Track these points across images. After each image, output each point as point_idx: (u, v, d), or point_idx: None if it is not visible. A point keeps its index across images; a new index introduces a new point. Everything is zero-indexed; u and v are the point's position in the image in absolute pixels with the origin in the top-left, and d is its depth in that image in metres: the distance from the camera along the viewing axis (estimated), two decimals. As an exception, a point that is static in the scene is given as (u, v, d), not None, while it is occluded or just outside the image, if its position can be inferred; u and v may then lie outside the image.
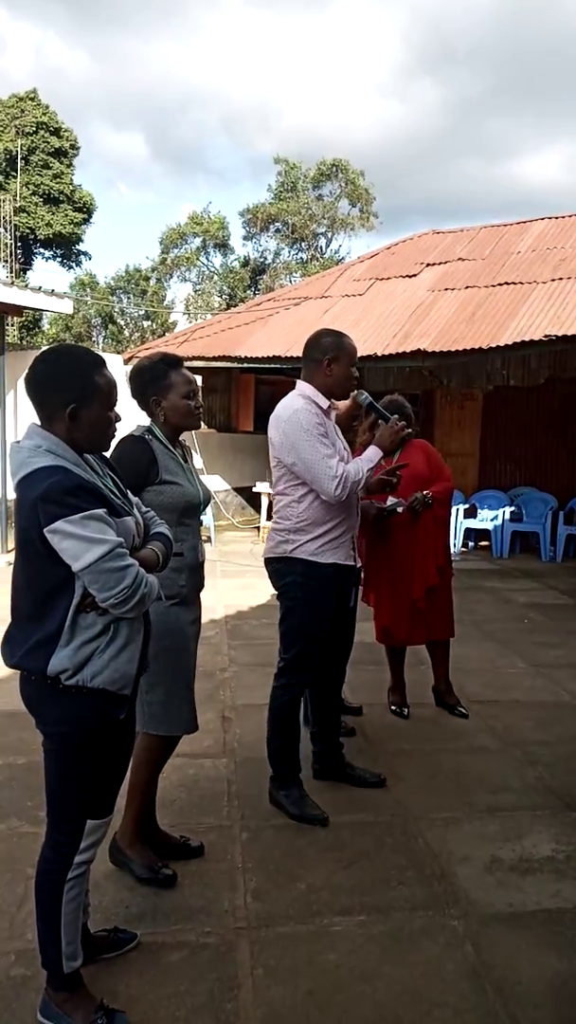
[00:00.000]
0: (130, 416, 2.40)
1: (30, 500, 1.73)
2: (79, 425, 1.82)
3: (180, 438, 2.63)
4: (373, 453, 2.95)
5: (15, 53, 44.64)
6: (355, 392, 3.10)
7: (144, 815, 2.61)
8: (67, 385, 1.82)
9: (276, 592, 3.08)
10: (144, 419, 2.59)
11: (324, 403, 2.97)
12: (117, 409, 1.93)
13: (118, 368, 8.58)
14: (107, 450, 1.98)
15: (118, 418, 1.93)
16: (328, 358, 2.94)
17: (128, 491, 2.06)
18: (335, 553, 2.97)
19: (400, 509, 3.77)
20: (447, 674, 4.18)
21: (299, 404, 2.92)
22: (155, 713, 2.50)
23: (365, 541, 3.94)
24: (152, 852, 2.59)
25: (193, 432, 11.06)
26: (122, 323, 32.48)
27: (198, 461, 10.51)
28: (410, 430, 3.94)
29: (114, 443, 2.40)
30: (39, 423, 1.86)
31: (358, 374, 3.05)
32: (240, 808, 3.05)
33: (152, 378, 2.54)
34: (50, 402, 1.82)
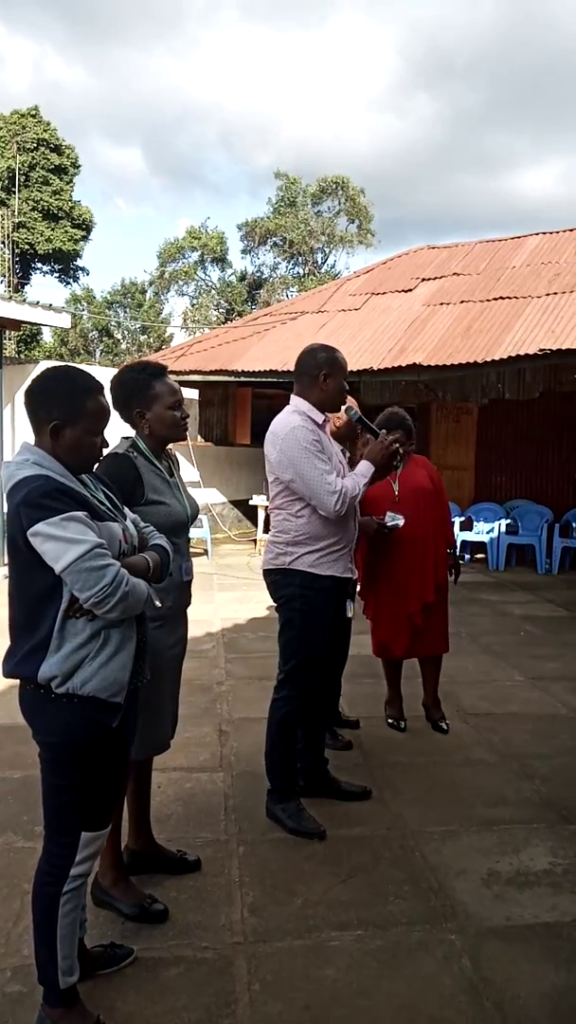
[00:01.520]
0: (114, 428, 2.37)
1: (14, 506, 1.79)
2: (60, 443, 1.87)
3: (167, 448, 2.58)
4: (365, 468, 2.97)
5: (13, 68, 45.17)
6: (344, 407, 3.11)
7: (119, 851, 2.50)
8: (56, 402, 1.87)
9: (275, 604, 3.09)
10: (126, 430, 2.52)
11: (319, 418, 2.99)
12: (106, 434, 1.95)
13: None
14: (90, 471, 1.99)
15: (105, 444, 1.96)
16: (324, 373, 2.97)
17: (123, 506, 2.08)
18: (333, 566, 2.98)
19: (400, 524, 3.78)
20: (436, 688, 4.18)
21: (296, 421, 2.93)
22: None
23: (363, 555, 3.95)
24: (138, 888, 2.47)
25: (190, 445, 11.02)
26: (119, 337, 32.61)
27: (195, 474, 10.53)
28: (412, 444, 4.00)
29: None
30: (33, 437, 1.92)
31: (347, 388, 3.09)
32: (237, 822, 3.05)
33: (136, 389, 2.46)
34: (39, 416, 1.89)
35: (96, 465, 2.03)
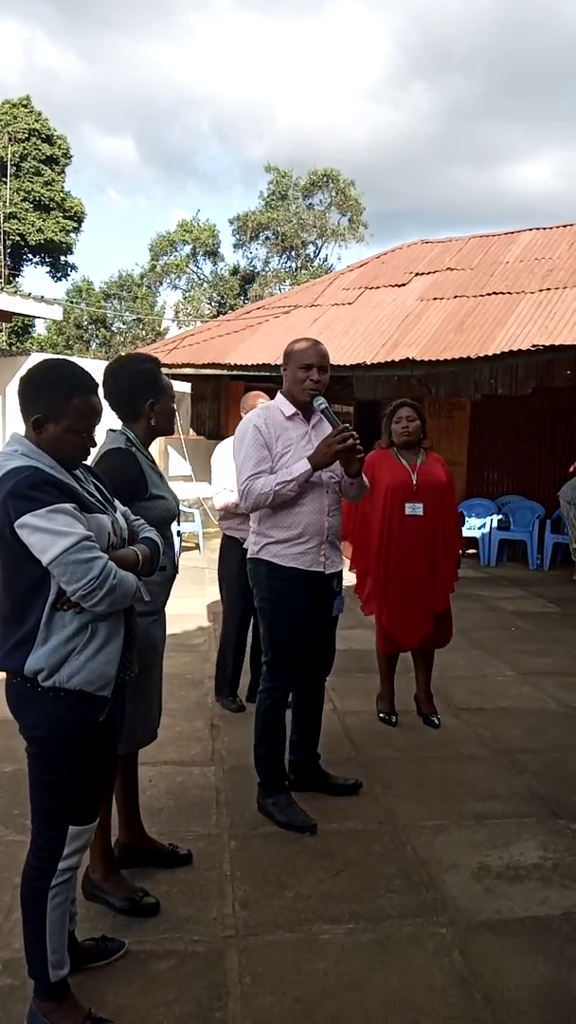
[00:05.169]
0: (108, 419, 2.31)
1: (1, 498, 1.77)
2: (43, 437, 1.87)
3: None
4: (298, 467, 2.83)
5: (3, 56, 44.73)
6: (314, 397, 2.95)
7: (109, 845, 2.50)
8: (42, 396, 1.86)
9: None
10: (109, 423, 2.43)
11: (288, 410, 3.00)
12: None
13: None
14: (74, 468, 1.95)
15: (93, 443, 1.93)
16: (283, 364, 3.03)
17: (114, 499, 2.07)
18: (299, 558, 2.95)
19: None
20: (428, 683, 4.18)
21: (256, 412, 3.04)
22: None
23: (375, 547, 3.93)
24: (130, 882, 2.48)
25: (182, 439, 10.92)
26: (115, 329, 32.46)
27: (187, 468, 10.49)
28: (429, 443, 4.12)
29: (97, 455, 2.37)
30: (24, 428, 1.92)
31: (317, 377, 2.92)
32: (228, 816, 3.05)
33: (151, 380, 2.44)
34: (25, 407, 1.89)
35: (94, 462, 2.02)
